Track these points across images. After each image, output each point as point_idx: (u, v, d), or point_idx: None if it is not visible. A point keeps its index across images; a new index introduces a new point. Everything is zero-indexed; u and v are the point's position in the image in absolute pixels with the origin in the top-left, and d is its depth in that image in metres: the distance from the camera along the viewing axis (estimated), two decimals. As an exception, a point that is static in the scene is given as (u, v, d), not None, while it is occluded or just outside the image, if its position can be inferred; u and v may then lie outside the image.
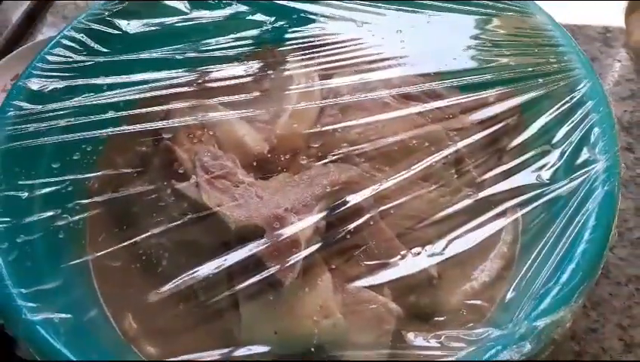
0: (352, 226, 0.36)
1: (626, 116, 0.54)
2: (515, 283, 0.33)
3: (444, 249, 0.36)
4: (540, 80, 0.40)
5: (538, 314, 0.29)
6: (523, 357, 0.27)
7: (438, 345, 0.30)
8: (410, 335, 0.32)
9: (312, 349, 0.33)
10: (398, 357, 0.33)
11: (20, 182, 0.38)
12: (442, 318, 0.34)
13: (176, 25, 0.47)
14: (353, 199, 0.37)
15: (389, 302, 0.35)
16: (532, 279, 0.32)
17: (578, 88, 0.38)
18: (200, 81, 0.45)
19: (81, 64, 0.44)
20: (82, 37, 0.44)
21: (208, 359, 0.33)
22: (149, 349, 0.36)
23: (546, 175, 0.36)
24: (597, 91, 0.38)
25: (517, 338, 0.28)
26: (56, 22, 0.69)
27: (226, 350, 0.33)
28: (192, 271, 0.35)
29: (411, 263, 0.36)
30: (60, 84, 0.42)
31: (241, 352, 0.33)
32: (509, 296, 0.32)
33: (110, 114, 0.41)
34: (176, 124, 0.41)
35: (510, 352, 0.27)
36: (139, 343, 0.36)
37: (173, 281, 0.35)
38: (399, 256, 0.36)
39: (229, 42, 0.47)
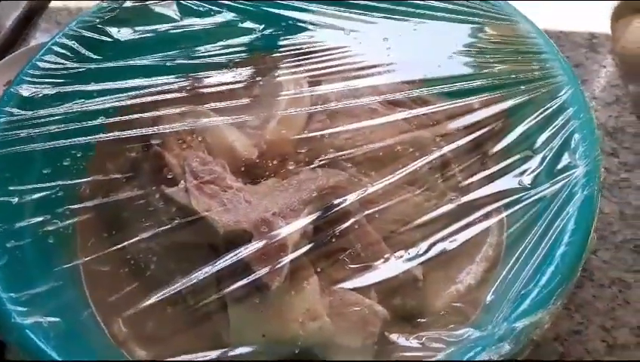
0: (338, 230, 0.37)
1: (610, 121, 0.54)
2: (496, 286, 0.33)
3: (428, 251, 0.37)
4: (523, 87, 0.40)
5: (517, 316, 0.29)
6: (502, 357, 0.28)
7: (419, 345, 0.31)
8: (393, 337, 0.33)
9: (299, 351, 0.34)
10: (381, 358, 0.33)
11: (11, 188, 0.38)
12: (425, 320, 0.35)
13: (167, 32, 0.48)
14: (340, 203, 0.38)
15: (375, 305, 0.35)
16: (512, 281, 0.32)
17: (560, 95, 0.39)
18: (190, 88, 0.46)
19: (72, 71, 0.44)
20: (73, 44, 0.45)
21: (197, 360, 0.33)
22: (139, 352, 0.36)
23: (527, 179, 0.37)
24: (578, 98, 0.39)
25: (496, 339, 0.28)
26: (49, 28, 0.69)
27: (215, 352, 0.34)
28: (181, 280, 0.35)
29: (396, 266, 0.37)
30: (51, 91, 0.43)
31: (230, 355, 0.34)
32: (489, 297, 0.33)
33: (100, 120, 0.42)
34: (167, 130, 0.42)
35: (489, 353, 0.27)
36: (128, 346, 0.37)
37: (162, 291, 0.35)
38: (384, 259, 0.37)
39: (218, 49, 0.47)
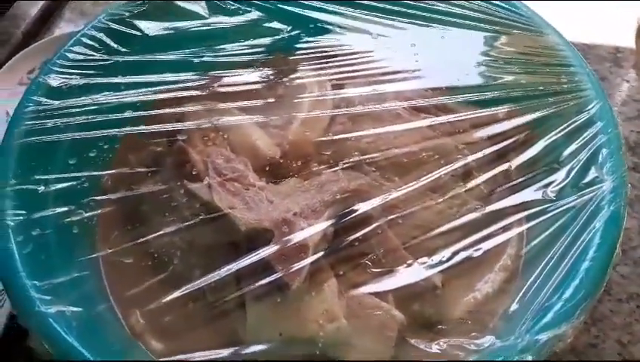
0: (359, 234, 0.37)
1: (632, 136, 0.54)
2: (518, 297, 0.33)
3: (449, 259, 0.37)
4: (550, 99, 0.40)
5: (541, 328, 0.29)
6: (524, 369, 0.28)
7: (439, 351, 0.31)
8: (414, 341, 0.33)
9: (316, 352, 0.34)
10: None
11: (37, 177, 0.38)
12: (445, 327, 0.35)
13: (195, 29, 0.48)
14: (362, 207, 0.38)
15: (393, 309, 0.36)
16: (535, 293, 0.32)
17: (588, 109, 0.38)
18: (214, 85, 0.46)
19: (101, 63, 0.44)
20: (102, 36, 0.45)
21: (213, 357, 0.34)
22: (155, 345, 0.36)
23: (552, 192, 0.37)
24: (606, 112, 0.38)
25: (519, 350, 0.28)
26: (73, 18, 0.70)
27: (231, 349, 0.34)
28: (202, 277, 0.35)
29: (416, 272, 0.37)
30: (79, 82, 0.43)
31: (246, 351, 0.34)
32: (512, 308, 0.33)
33: (127, 113, 0.42)
34: (191, 127, 0.42)
35: (511, 364, 0.28)
36: (145, 339, 0.37)
37: (183, 286, 0.35)
38: (405, 265, 0.37)
39: (245, 48, 0.47)
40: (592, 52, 0.62)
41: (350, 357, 0.35)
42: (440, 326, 0.35)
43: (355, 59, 0.46)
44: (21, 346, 0.32)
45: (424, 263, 0.36)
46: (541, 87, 0.41)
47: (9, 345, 0.41)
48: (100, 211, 0.39)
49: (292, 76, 0.47)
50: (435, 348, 0.31)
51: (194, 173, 0.40)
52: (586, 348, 0.41)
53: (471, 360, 0.29)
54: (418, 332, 0.34)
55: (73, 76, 0.43)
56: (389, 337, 0.35)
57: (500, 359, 0.28)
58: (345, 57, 0.46)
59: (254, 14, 0.49)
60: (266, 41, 0.48)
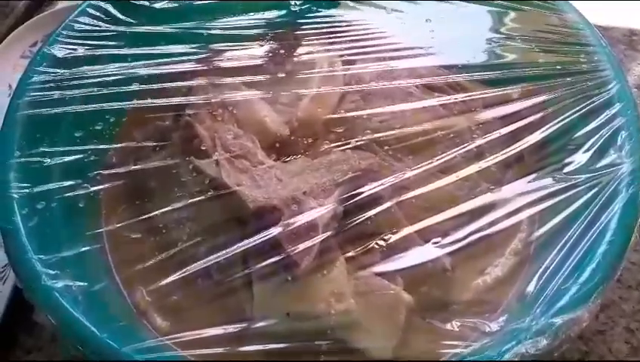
0: (369, 214, 0.36)
1: (645, 121, 0.53)
2: (534, 279, 0.33)
3: (459, 241, 0.36)
4: (568, 78, 0.39)
5: (556, 311, 0.29)
6: (538, 351, 0.27)
7: (455, 329, 0.31)
8: (427, 321, 0.33)
9: (325, 332, 0.34)
10: (407, 344, 0.33)
11: (42, 149, 0.38)
12: (457, 307, 0.34)
13: (202, 1, 0.47)
14: (372, 187, 0.37)
15: (401, 291, 0.35)
16: (551, 276, 0.32)
17: (607, 89, 0.37)
18: (223, 59, 0.45)
19: (107, 33, 0.43)
20: (108, 7, 0.44)
21: (219, 333, 0.33)
22: (160, 322, 0.36)
23: (568, 174, 0.36)
24: (625, 93, 0.37)
25: (534, 332, 0.28)
26: (76, -10, 0.68)
27: (237, 326, 0.34)
28: (209, 255, 0.35)
29: (425, 253, 0.36)
30: (85, 53, 0.42)
31: (253, 330, 0.34)
32: (527, 291, 0.33)
33: (134, 86, 0.41)
34: (199, 101, 0.41)
35: (526, 346, 0.27)
36: (149, 316, 0.36)
37: (190, 263, 0.35)
38: (414, 246, 0.36)
39: (254, 22, 0.46)
40: (607, 34, 0.60)
41: (359, 338, 0.34)
42: (450, 307, 0.35)
43: (368, 34, 0.45)
44: (25, 320, 0.32)
45: (431, 244, 0.35)
46: (559, 66, 0.40)
47: (13, 320, 0.41)
48: (106, 185, 0.39)
49: (301, 51, 0.46)
50: (448, 326, 0.31)
51: (203, 148, 0.39)
52: (594, 334, 0.41)
53: (484, 342, 0.29)
54: (423, 314, 0.34)
55: (79, 47, 0.42)
56: (397, 319, 0.34)
57: (514, 342, 0.28)
58: (357, 32, 0.45)
59: (265, -13, 0.47)
60: (275, 14, 0.47)
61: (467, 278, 0.37)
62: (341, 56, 0.45)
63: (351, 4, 0.46)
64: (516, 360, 0.27)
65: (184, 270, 0.35)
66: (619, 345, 0.41)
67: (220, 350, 0.33)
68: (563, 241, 0.33)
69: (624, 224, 0.32)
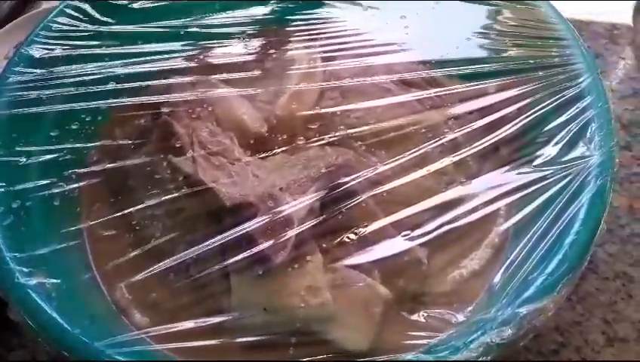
0: (344, 208, 0.36)
1: (626, 114, 0.54)
2: (502, 270, 0.33)
3: (431, 232, 0.36)
4: (541, 72, 0.40)
5: (522, 302, 0.29)
6: (503, 341, 0.27)
7: (422, 320, 0.31)
8: (394, 314, 0.33)
9: (299, 327, 0.34)
10: (382, 337, 0.33)
11: (18, 148, 0.38)
12: (427, 300, 0.35)
13: (181, 0, 0.47)
14: (348, 182, 0.37)
15: (378, 285, 0.35)
16: (519, 267, 0.32)
17: (578, 83, 0.38)
18: (202, 57, 0.45)
19: (84, 33, 0.43)
20: (87, 7, 0.44)
21: (197, 325, 0.33)
22: (139, 318, 0.36)
23: (538, 166, 0.36)
24: (597, 86, 0.38)
25: (499, 322, 0.28)
26: (61, -9, 0.69)
27: (215, 318, 0.34)
28: (185, 250, 0.35)
29: (400, 245, 0.36)
30: (63, 53, 0.42)
31: (231, 324, 0.34)
32: (495, 281, 0.33)
33: (111, 85, 0.41)
34: (177, 99, 0.41)
35: (491, 335, 0.27)
36: (129, 312, 0.37)
37: (166, 259, 0.35)
38: (388, 238, 0.37)
39: (232, 20, 0.46)
40: (588, 28, 0.61)
41: (335, 331, 0.34)
42: (423, 299, 0.35)
43: (345, 31, 0.45)
44: (7, 318, 0.32)
45: (406, 236, 0.36)
46: (532, 61, 0.40)
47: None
48: (83, 184, 0.39)
49: (281, 49, 0.46)
50: (415, 317, 0.31)
51: (178, 145, 0.39)
52: (571, 326, 0.41)
53: (450, 333, 0.29)
54: (400, 308, 0.34)
55: (56, 47, 0.42)
56: (374, 313, 0.35)
57: (479, 332, 0.28)
58: (334, 30, 0.45)
59: (242, -15, 0.48)
60: (254, 12, 0.47)
61: (443, 271, 0.37)
62: (320, 53, 0.45)
63: (328, 1, 0.46)
64: (481, 350, 0.27)
65: (161, 264, 0.35)
66: (595, 336, 0.41)
67: (196, 343, 0.33)
68: (532, 232, 0.33)
69: (592, 215, 0.32)
